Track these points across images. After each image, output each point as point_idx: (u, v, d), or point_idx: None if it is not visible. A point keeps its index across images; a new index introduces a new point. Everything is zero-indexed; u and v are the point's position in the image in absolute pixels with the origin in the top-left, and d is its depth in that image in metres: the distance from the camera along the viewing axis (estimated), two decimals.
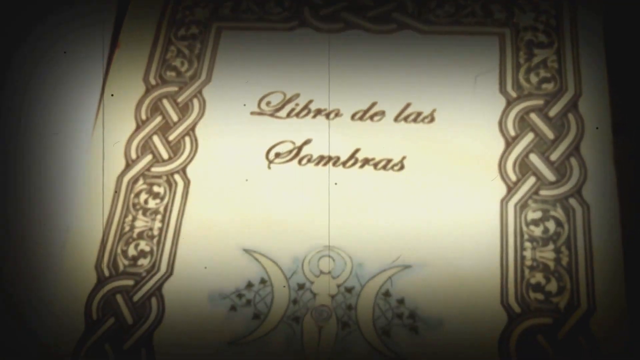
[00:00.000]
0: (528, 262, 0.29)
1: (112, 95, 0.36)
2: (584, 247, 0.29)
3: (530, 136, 0.32)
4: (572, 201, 0.30)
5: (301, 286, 0.31)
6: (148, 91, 0.36)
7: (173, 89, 0.36)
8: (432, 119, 0.34)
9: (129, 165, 0.34)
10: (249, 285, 0.31)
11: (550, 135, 0.32)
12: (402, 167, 0.33)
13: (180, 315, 0.31)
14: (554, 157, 0.32)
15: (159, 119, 0.35)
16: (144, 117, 0.35)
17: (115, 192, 0.34)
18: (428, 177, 0.32)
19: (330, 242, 0.31)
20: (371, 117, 0.34)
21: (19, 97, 0.37)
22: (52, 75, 0.38)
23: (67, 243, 0.33)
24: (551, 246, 0.30)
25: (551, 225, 0.30)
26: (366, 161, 0.33)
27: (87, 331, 0.31)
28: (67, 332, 0.31)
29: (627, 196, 0.31)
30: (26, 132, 0.37)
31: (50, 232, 0.34)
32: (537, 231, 0.30)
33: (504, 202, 0.31)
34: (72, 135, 0.36)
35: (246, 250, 0.32)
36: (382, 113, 0.34)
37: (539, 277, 0.29)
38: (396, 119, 0.34)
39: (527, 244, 0.30)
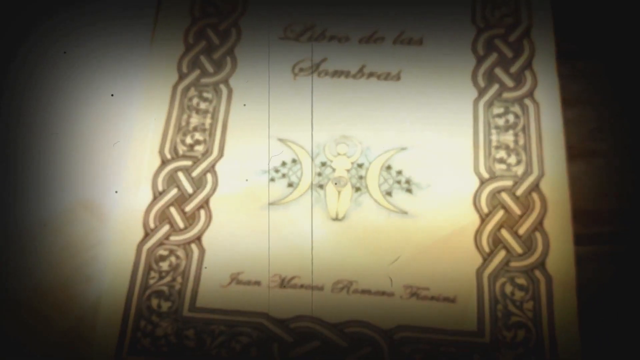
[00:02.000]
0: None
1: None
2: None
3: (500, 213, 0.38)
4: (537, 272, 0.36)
5: (323, 164, 0.40)
6: (164, 163, 0.42)
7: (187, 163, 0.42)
8: (421, 43, 0.44)
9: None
10: (284, 164, 0.41)
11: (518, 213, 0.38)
12: (398, 79, 0.43)
13: (230, 187, 0.40)
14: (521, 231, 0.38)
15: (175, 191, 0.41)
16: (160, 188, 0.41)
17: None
18: (419, 86, 0.42)
19: (345, 132, 0.41)
20: (374, 41, 0.44)
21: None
22: None
23: None
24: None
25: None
26: (370, 74, 0.43)
27: (154, 199, 0.40)
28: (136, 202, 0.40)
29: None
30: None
31: None
32: None
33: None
34: None
35: (280, 140, 0.41)
36: (382, 38, 0.44)
37: None
38: (394, 42, 0.44)
39: None
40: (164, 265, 0.39)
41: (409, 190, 0.40)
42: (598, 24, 0.46)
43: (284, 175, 0.41)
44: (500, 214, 0.38)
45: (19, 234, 0.40)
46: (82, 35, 0.49)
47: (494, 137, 0.41)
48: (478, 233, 0.38)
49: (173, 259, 0.39)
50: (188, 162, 0.42)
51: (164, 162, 0.42)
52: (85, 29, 0.49)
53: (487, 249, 0.37)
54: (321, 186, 0.40)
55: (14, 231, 0.40)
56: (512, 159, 0.40)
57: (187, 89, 0.45)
